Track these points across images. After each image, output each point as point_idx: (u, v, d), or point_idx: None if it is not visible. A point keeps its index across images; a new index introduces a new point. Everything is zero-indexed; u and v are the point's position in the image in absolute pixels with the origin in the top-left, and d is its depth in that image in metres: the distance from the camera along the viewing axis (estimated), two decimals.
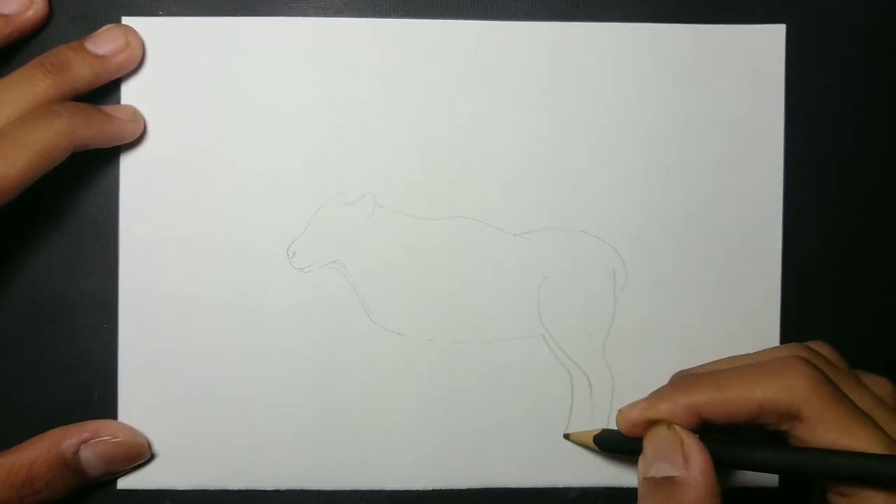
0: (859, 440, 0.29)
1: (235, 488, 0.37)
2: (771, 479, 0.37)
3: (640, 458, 0.32)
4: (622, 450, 0.35)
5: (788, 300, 0.38)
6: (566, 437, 0.37)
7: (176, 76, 0.37)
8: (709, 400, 0.31)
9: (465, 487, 0.37)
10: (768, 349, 0.34)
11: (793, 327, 0.38)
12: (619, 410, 0.33)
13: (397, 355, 0.37)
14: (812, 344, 0.34)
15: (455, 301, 0.37)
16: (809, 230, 0.38)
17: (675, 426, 0.31)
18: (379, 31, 0.37)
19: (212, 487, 0.37)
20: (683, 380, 0.33)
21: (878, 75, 0.39)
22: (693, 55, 0.38)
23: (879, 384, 0.34)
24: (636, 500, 0.31)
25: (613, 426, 0.34)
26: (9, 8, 0.35)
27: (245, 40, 0.37)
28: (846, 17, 0.38)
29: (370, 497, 0.37)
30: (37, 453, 0.34)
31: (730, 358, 0.34)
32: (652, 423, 0.32)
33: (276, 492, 0.37)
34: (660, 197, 0.38)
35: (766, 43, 0.38)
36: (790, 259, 0.38)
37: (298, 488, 0.37)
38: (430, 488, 0.37)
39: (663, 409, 0.31)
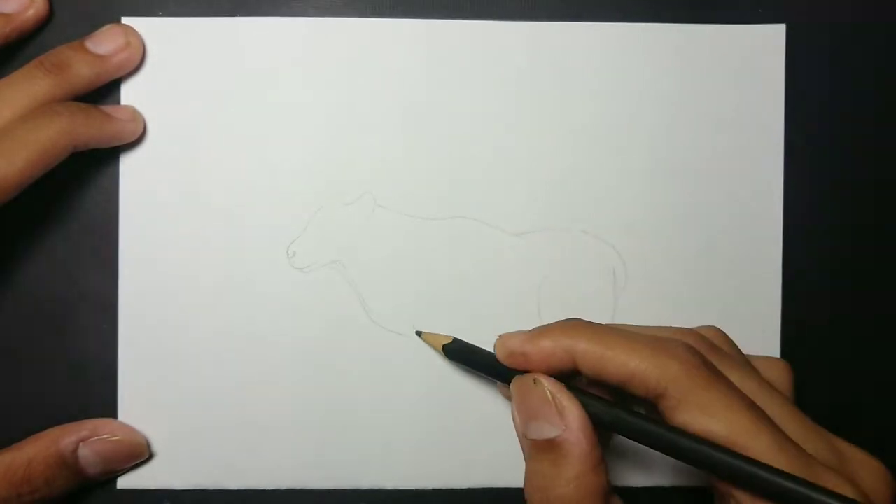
0: (720, 422, 0.28)
1: (235, 488, 0.37)
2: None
3: (514, 411, 0.31)
4: (471, 364, 0.35)
5: (788, 300, 0.38)
6: (418, 334, 0.37)
7: (176, 76, 0.37)
8: (588, 350, 0.30)
9: (465, 487, 0.37)
10: (661, 327, 0.33)
11: (793, 327, 0.38)
12: (500, 336, 0.32)
13: (397, 355, 0.37)
14: (703, 329, 0.33)
15: (455, 301, 0.37)
16: (809, 230, 0.38)
17: (542, 379, 0.30)
18: (379, 31, 0.37)
19: (212, 487, 0.37)
20: (571, 323, 0.32)
21: (878, 75, 0.38)
22: (693, 55, 0.38)
23: (773, 366, 0.33)
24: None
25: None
26: (9, 7, 0.36)
27: (245, 40, 0.37)
28: (846, 17, 0.38)
29: (370, 497, 0.37)
30: (35, 451, 0.34)
31: (620, 325, 0.34)
32: (520, 375, 0.31)
33: (276, 492, 0.37)
34: (660, 197, 0.38)
35: (766, 43, 0.38)
36: (790, 259, 0.38)
37: (298, 488, 0.37)
38: (430, 488, 0.37)
39: (543, 345, 0.31)
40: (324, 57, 0.37)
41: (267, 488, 0.37)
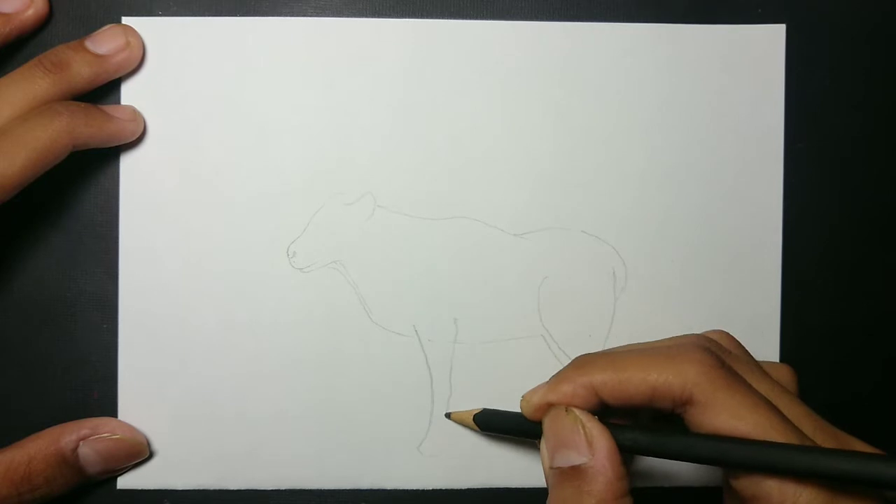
0: (748, 423, 0.28)
1: (235, 488, 0.37)
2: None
3: (543, 444, 0.31)
4: (503, 430, 0.35)
5: (788, 299, 0.38)
6: (447, 416, 0.37)
7: (176, 76, 0.37)
8: (606, 380, 0.30)
9: (465, 487, 0.37)
10: (669, 338, 0.33)
11: (792, 326, 0.38)
12: (523, 396, 0.32)
13: (397, 355, 0.37)
14: (711, 333, 0.33)
15: (455, 301, 0.37)
16: (809, 229, 0.38)
17: (574, 409, 0.30)
18: (379, 31, 0.37)
19: (212, 487, 0.37)
20: (583, 359, 0.32)
21: (878, 75, 0.39)
22: (693, 55, 0.38)
23: (779, 370, 0.33)
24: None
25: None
26: (8, 7, 0.36)
27: (245, 40, 0.37)
28: (846, 17, 0.38)
29: (370, 497, 0.37)
30: (35, 450, 0.34)
31: (631, 344, 0.34)
32: (551, 407, 0.31)
33: (276, 492, 0.37)
34: (660, 197, 0.38)
35: (766, 43, 0.38)
36: (790, 258, 0.38)
37: (298, 488, 0.37)
38: (430, 488, 0.37)
39: (564, 390, 0.31)
40: (324, 57, 0.37)
41: (267, 488, 0.37)
